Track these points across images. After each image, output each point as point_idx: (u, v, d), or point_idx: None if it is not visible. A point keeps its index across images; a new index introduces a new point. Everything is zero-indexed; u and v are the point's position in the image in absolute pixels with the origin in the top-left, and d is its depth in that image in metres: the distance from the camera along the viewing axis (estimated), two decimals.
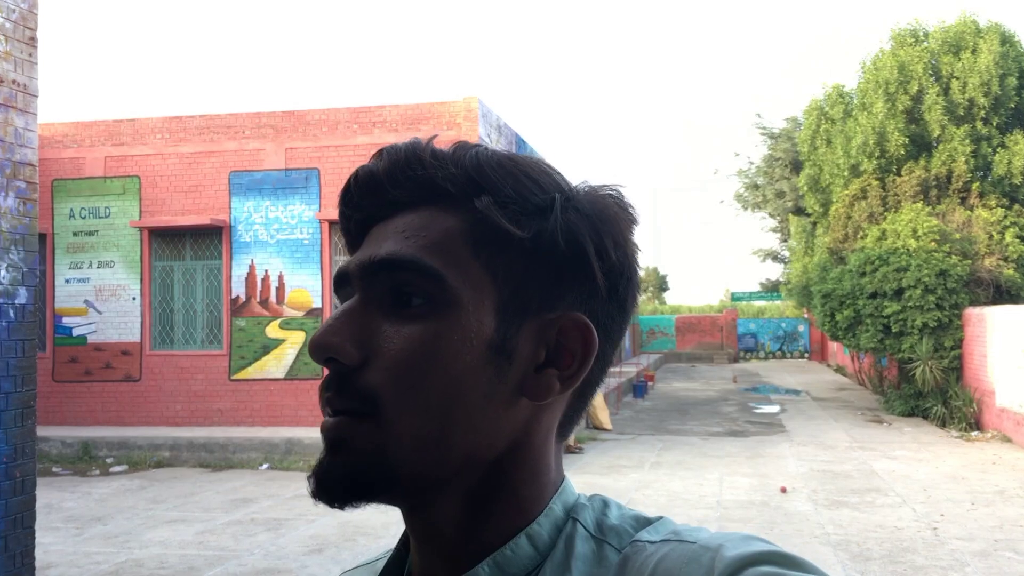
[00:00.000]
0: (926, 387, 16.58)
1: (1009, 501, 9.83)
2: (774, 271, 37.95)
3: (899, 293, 16.86)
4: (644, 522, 0.69)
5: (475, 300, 0.65)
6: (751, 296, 44.49)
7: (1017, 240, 17.88)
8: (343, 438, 0.64)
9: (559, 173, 0.71)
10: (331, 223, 13.91)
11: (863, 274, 17.34)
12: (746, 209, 37.18)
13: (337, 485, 0.64)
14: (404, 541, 0.76)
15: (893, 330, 16.93)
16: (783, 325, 40.38)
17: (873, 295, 17.15)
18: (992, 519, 8.98)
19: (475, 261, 0.66)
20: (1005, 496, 10.10)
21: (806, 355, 39.48)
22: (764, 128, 35.21)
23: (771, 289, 42.57)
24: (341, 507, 0.65)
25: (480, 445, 0.66)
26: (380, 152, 0.71)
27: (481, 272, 0.66)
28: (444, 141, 0.71)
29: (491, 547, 0.67)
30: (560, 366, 0.68)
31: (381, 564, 0.78)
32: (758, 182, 36.03)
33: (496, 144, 13.97)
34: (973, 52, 19.32)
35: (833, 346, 32.93)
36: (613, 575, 0.65)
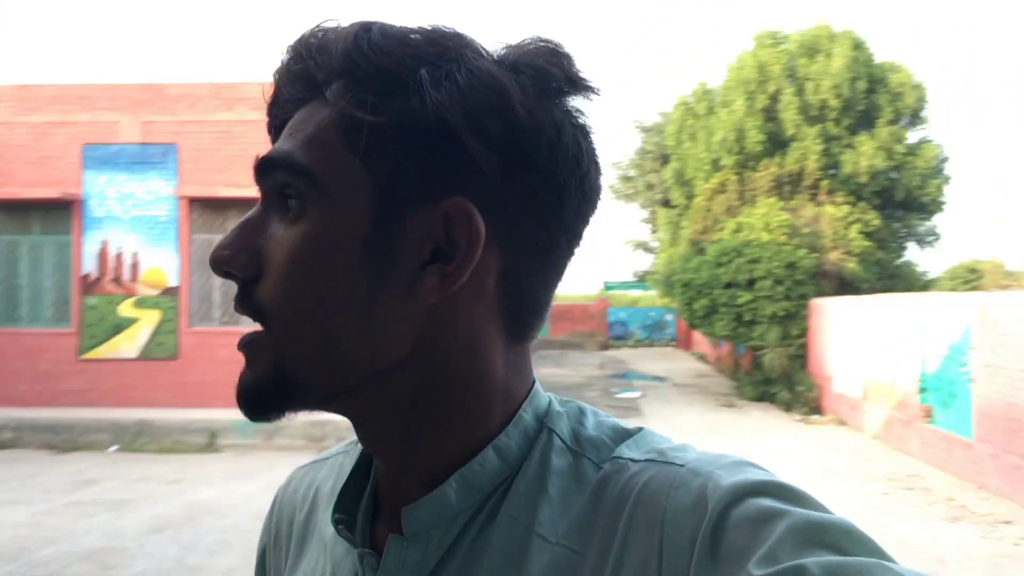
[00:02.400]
0: (774, 373, 17.38)
1: (838, 479, 10.47)
2: (645, 261, 38.83)
3: (751, 283, 17.60)
4: (623, 434, 0.66)
5: (348, 194, 0.61)
6: (624, 285, 45.28)
7: (860, 236, 18.95)
8: (249, 354, 0.63)
9: (457, 40, 0.63)
10: (191, 200, 13.57)
11: (719, 265, 18.03)
12: (619, 200, 37.99)
13: (248, 399, 0.63)
14: None
15: (745, 319, 17.68)
16: (651, 314, 41.31)
17: (728, 285, 17.85)
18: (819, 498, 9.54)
19: (346, 152, 0.61)
20: (834, 475, 10.75)
21: (672, 343, 40.46)
22: (638, 121, 36.10)
23: (643, 279, 43.58)
24: (264, 420, 0.64)
25: (375, 351, 0.62)
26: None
27: (354, 163, 0.61)
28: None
29: (454, 460, 0.64)
30: (447, 260, 0.62)
31: (345, 462, 0.76)
32: (630, 174, 36.86)
33: None
34: (827, 56, 20.28)
35: (697, 335, 33.96)
36: (591, 492, 0.62)
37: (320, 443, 11.79)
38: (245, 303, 0.63)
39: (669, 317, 40.59)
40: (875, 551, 0.50)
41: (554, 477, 0.63)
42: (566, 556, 0.60)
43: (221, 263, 0.63)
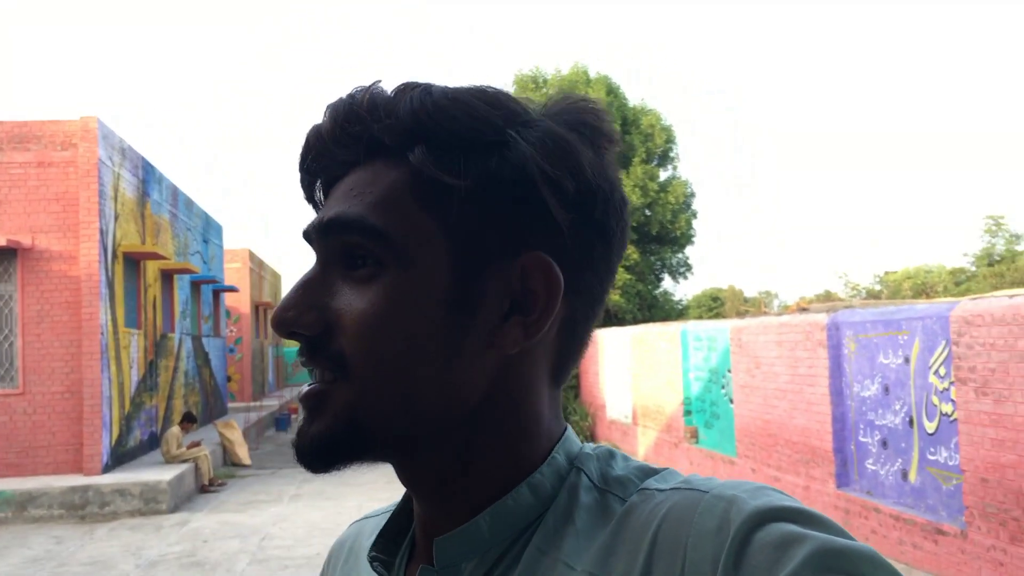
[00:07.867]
0: None
1: None
2: None
3: None
4: (650, 472, 0.67)
5: (427, 255, 0.63)
6: None
7: (622, 269, 20.02)
8: (316, 405, 0.64)
9: (514, 101, 0.66)
10: None
11: None
12: None
13: (313, 450, 0.64)
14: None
15: None
16: None
17: None
18: None
19: (422, 214, 0.63)
20: None
21: None
22: None
23: None
24: (324, 471, 0.65)
25: (452, 401, 0.64)
26: (327, 108, 0.68)
27: (430, 225, 0.63)
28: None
29: (491, 499, 0.66)
30: (526, 312, 0.65)
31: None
32: None
33: (119, 168, 13.15)
34: None
35: None
36: (617, 520, 0.62)
37: (81, 510, 10.87)
38: (319, 356, 0.64)
39: None
40: None
41: (581, 511, 0.64)
42: None
43: (286, 324, 0.64)
